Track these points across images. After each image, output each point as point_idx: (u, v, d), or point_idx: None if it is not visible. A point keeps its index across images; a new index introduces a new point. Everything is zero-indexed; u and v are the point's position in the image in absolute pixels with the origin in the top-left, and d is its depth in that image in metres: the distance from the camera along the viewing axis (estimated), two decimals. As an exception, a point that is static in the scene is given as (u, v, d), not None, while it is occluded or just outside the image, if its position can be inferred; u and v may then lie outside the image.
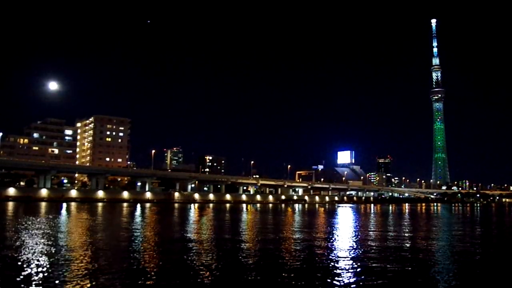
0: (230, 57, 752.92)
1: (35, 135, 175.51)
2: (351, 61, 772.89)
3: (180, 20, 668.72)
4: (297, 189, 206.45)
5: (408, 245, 28.38)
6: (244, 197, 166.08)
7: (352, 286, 14.85)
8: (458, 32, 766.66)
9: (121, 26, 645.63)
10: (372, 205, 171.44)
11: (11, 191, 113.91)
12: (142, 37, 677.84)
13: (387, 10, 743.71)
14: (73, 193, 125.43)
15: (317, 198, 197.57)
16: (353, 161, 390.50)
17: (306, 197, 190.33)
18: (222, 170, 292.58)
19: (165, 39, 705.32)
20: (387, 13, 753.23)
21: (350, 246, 26.19)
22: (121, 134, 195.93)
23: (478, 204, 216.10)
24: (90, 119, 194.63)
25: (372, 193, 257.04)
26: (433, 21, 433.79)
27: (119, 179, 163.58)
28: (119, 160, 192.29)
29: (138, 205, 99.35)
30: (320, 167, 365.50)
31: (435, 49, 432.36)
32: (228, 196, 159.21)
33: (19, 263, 17.55)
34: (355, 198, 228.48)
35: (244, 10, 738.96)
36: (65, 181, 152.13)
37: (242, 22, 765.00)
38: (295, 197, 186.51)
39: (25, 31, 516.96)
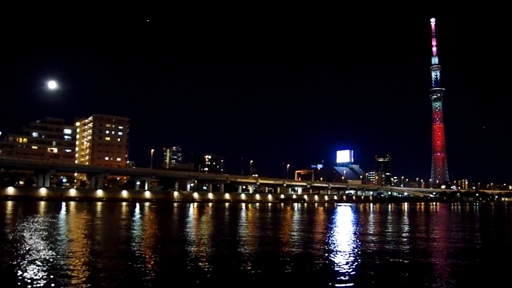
0: (229, 56, 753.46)
1: (34, 134, 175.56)
2: (350, 60, 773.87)
3: (179, 19, 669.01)
4: (296, 188, 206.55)
5: (406, 241, 28.48)
6: (243, 196, 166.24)
7: (350, 283, 14.91)
8: (457, 31, 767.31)
9: (121, 25, 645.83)
10: (371, 204, 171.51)
11: (10, 190, 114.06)
12: (141, 37, 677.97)
13: (387, 10, 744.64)
14: (72, 192, 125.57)
15: (316, 197, 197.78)
16: (352, 160, 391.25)
17: (305, 196, 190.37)
18: (221, 169, 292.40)
19: (164, 38, 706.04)
20: (386, 12, 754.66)
21: (347, 243, 26.26)
22: (120, 133, 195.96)
23: (477, 203, 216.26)
24: (89, 118, 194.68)
25: (371, 192, 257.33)
26: (432, 20, 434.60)
27: (118, 178, 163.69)
28: (118, 159, 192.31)
29: (137, 204, 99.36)
30: (319, 166, 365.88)
31: (434, 48, 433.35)
32: (227, 195, 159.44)
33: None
34: (354, 197, 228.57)
35: (244, 10, 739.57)
36: (64, 180, 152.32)
37: (242, 22, 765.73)
38: (294, 196, 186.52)
39: (24, 31, 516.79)
